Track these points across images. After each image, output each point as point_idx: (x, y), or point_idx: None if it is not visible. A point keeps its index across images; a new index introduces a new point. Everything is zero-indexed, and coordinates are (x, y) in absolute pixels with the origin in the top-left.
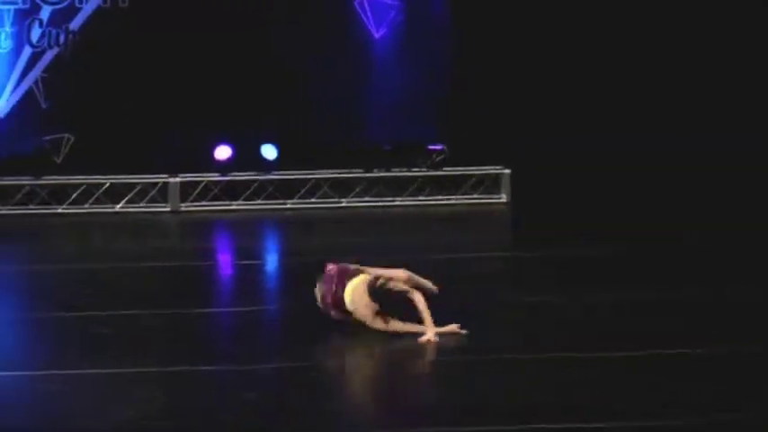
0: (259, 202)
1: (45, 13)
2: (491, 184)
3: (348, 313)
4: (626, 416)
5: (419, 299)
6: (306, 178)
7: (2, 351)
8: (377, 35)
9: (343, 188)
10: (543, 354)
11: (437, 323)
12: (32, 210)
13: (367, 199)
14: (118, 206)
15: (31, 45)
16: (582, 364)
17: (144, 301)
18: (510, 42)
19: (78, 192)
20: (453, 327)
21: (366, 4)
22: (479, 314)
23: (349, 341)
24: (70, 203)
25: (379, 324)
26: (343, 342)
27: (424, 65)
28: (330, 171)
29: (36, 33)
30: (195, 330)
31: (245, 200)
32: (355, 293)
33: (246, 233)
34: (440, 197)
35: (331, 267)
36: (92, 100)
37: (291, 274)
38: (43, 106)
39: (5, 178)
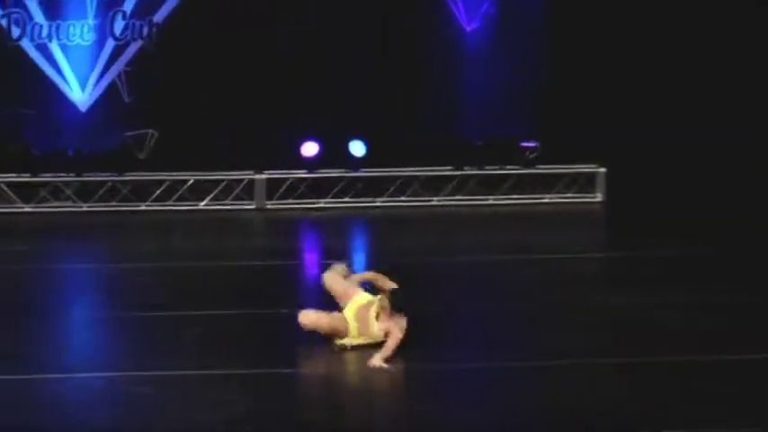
0: (347, 199)
1: (128, 4)
2: (585, 183)
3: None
4: (711, 424)
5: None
6: (395, 175)
7: (86, 351)
8: (468, 28)
9: (433, 186)
10: (624, 358)
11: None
12: (114, 207)
13: (458, 197)
14: (202, 203)
15: (114, 38)
16: (663, 369)
17: (228, 300)
18: (604, 35)
19: (162, 188)
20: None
21: None
22: (568, 316)
23: (433, 345)
24: (153, 200)
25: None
26: (426, 346)
27: (517, 59)
28: (420, 168)
29: (119, 26)
30: (281, 331)
31: (332, 197)
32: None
33: (334, 232)
34: (533, 196)
35: None
36: (176, 94)
37: None
38: (126, 100)
39: (87, 174)
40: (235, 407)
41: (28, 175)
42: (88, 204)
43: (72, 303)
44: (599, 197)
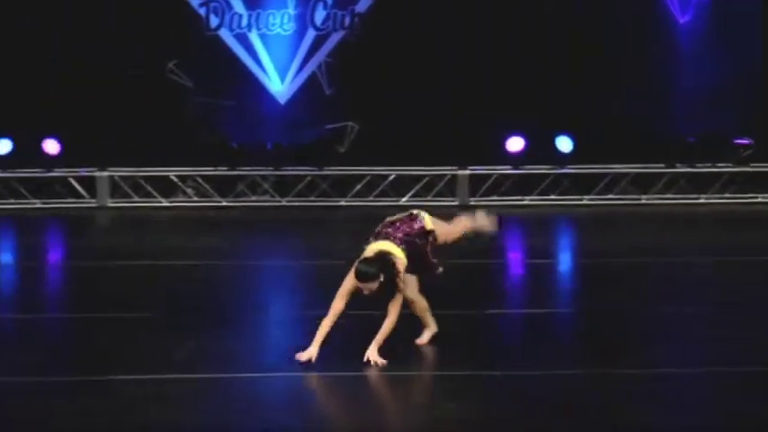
0: (553, 197)
1: None
2: None
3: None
4: None
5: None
6: (603, 172)
7: (284, 350)
8: (681, 20)
9: (643, 183)
10: None
11: None
12: (313, 202)
13: (668, 196)
14: (403, 199)
15: (315, 28)
16: None
17: (433, 299)
18: None
19: (362, 183)
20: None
21: None
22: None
23: (637, 347)
24: (353, 195)
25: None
26: (629, 348)
27: (731, 51)
28: (630, 165)
29: (320, 16)
30: (487, 331)
31: (537, 194)
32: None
33: (539, 230)
34: (746, 195)
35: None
36: (378, 87)
37: (586, 276)
38: (326, 92)
39: (286, 168)
40: (437, 410)
41: (226, 168)
42: (287, 199)
43: (270, 301)
44: None
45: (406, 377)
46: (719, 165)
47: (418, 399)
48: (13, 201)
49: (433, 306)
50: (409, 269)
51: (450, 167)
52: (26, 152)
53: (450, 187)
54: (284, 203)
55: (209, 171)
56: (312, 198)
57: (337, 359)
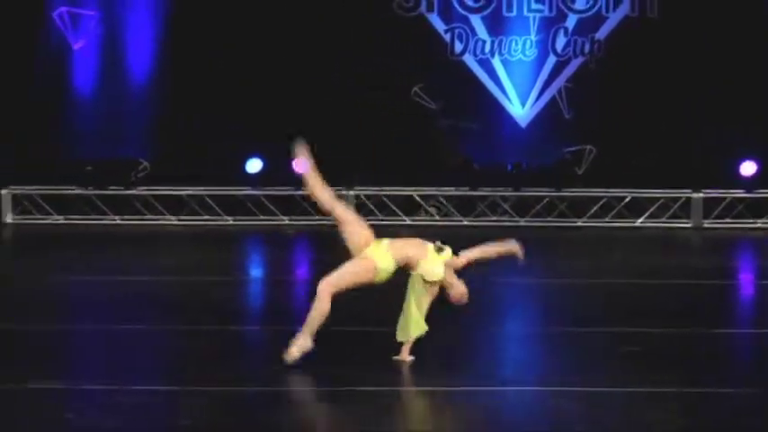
0: None
1: (571, 21)
2: None
3: None
4: None
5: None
6: None
7: (517, 365)
8: None
9: None
10: None
11: None
12: (551, 222)
13: None
14: (638, 221)
15: (556, 54)
16: None
17: (662, 318)
18: None
19: (598, 205)
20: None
21: None
22: None
23: None
24: (590, 216)
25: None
26: None
27: None
28: None
29: (561, 42)
30: (712, 350)
31: None
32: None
33: None
34: None
35: None
36: (615, 111)
37: None
38: (566, 117)
39: (527, 189)
40: (665, 426)
41: (467, 188)
42: (525, 219)
43: (506, 317)
44: None
45: (631, 395)
46: None
47: (647, 415)
48: (263, 217)
49: (664, 325)
50: None
51: (684, 190)
52: (277, 171)
53: (685, 210)
54: (523, 223)
55: (451, 191)
56: (550, 219)
57: (568, 375)
